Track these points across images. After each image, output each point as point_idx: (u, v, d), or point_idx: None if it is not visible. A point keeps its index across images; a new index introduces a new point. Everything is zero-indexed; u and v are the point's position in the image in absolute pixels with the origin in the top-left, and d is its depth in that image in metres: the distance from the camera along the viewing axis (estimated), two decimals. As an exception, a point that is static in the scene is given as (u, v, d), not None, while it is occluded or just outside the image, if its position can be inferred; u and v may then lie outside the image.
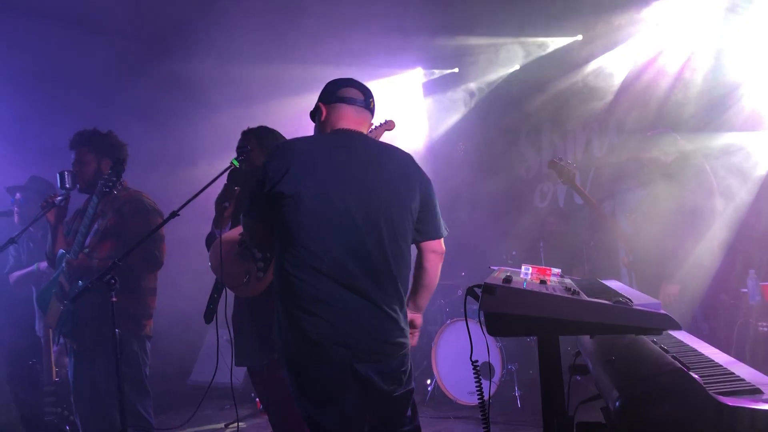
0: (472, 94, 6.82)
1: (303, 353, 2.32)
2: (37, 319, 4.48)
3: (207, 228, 3.45)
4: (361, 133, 2.54)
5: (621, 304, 1.66)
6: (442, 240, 2.62)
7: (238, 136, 3.37)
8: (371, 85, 2.74)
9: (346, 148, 2.45)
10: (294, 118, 3.72)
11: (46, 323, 4.22)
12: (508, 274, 1.95)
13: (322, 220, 2.32)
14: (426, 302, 2.71)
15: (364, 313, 2.32)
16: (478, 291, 1.82)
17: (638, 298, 1.81)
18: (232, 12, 5.70)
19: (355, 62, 6.15)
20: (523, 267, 2.25)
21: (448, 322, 5.42)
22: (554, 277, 2.25)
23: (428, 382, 5.66)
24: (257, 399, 5.76)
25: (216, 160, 3.42)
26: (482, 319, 1.72)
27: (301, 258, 2.32)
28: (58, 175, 3.80)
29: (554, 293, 1.64)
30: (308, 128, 2.68)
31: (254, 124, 3.44)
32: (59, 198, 3.77)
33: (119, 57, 6.15)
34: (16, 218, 4.59)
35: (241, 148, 3.25)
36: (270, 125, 3.46)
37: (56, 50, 5.76)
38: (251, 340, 3.31)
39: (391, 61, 6.73)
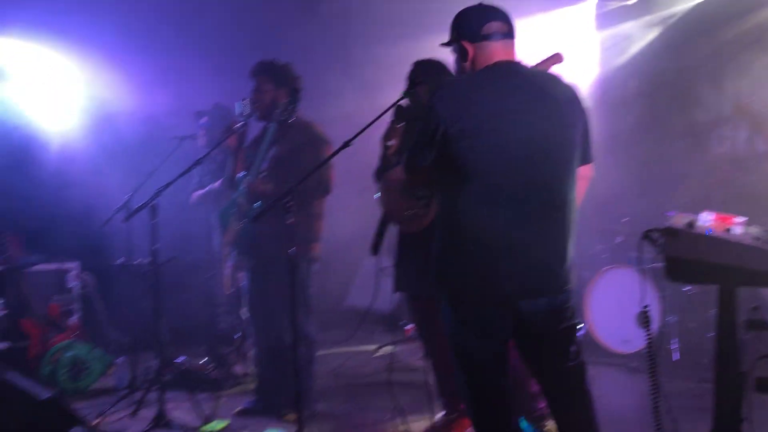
0: (649, 28, 6.37)
1: (467, 287, 2.38)
2: (216, 236, 4.90)
3: (374, 159, 3.56)
4: (518, 64, 2.49)
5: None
6: (593, 164, 2.57)
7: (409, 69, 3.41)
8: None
9: (509, 80, 2.42)
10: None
11: (224, 240, 4.60)
12: (690, 219, 1.87)
13: (493, 155, 2.32)
14: None
15: (533, 247, 2.33)
16: (656, 236, 1.77)
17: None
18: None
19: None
20: (704, 213, 2.15)
21: (605, 268, 5.27)
22: (738, 225, 2.12)
23: (579, 326, 5.58)
24: (406, 327, 5.98)
25: (390, 92, 3.48)
26: (657, 265, 1.68)
27: (471, 193, 2.33)
28: (237, 102, 4.07)
29: (742, 241, 1.56)
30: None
31: (425, 55, 3.45)
32: (239, 124, 4.04)
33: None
34: (201, 141, 4.97)
35: (410, 81, 3.29)
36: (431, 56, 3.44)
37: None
38: (411, 269, 3.44)
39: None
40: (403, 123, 3.25)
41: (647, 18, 6.40)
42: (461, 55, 2.51)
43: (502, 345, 2.47)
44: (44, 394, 2.92)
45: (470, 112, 2.33)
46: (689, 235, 1.57)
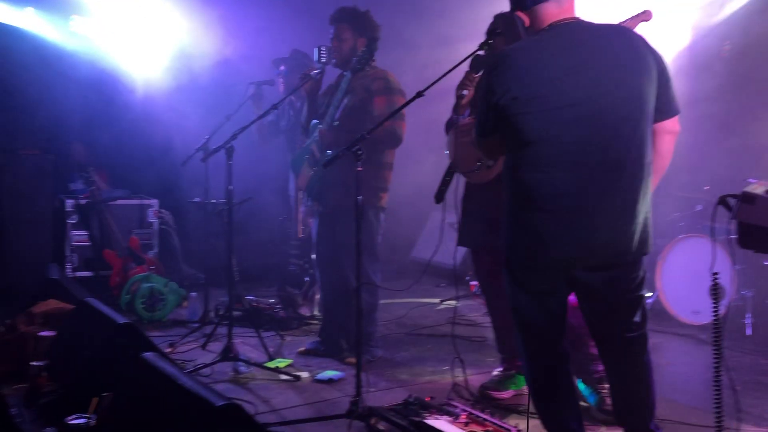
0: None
1: (528, 252, 2.36)
2: (291, 181, 5.00)
3: (447, 113, 3.54)
4: (577, 20, 2.38)
5: None
6: (678, 117, 2.45)
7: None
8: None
9: (564, 40, 2.33)
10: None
11: (297, 185, 4.70)
12: (771, 186, 1.80)
13: (547, 119, 2.26)
14: (653, 188, 2.53)
15: (592, 211, 2.27)
16: (732, 201, 1.71)
17: None
18: None
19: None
20: (787, 182, 2.05)
21: (681, 236, 5.12)
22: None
23: (649, 294, 5.47)
24: (471, 282, 6.00)
25: (464, 46, 3.43)
26: (734, 236, 1.63)
27: (527, 158, 2.31)
28: (315, 49, 4.09)
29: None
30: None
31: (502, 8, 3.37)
32: (316, 71, 4.07)
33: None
34: (280, 87, 5.05)
35: (489, 33, 3.23)
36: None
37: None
38: (477, 224, 3.43)
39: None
40: (480, 73, 3.21)
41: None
42: (518, 25, 2.45)
43: (558, 308, 2.45)
44: (122, 319, 3.10)
45: (520, 79, 2.29)
46: (767, 201, 1.51)
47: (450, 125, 3.51)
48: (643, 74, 2.31)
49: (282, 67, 5.02)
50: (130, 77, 6.56)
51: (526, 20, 2.42)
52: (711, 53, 6.23)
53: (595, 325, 2.51)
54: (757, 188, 1.68)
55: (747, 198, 1.50)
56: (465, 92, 3.20)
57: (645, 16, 3.05)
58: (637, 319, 2.43)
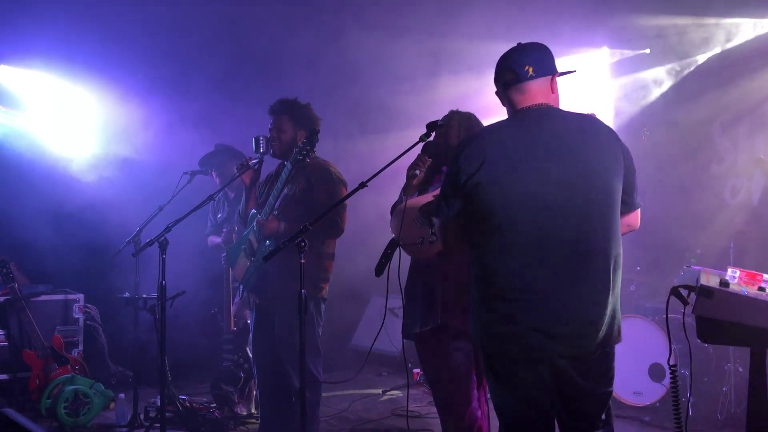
0: (663, 78, 6.38)
1: (499, 337, 2.28)
2: (225, 272, 4.85)
3: (386, 200, 3.53)
4: (550, 107, 2.37)
5: None
6: (639, 212, 2.45)
7: (427, 112, 3.40)
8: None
9: (536, 125, 2.32)
10: (461, 97, 3.65)
11: (233, 276, 4.55)
12: (722, 278, 1.81)
13: (518, 204, 2.23)
14: None
15: (572, 302, 2.21)
16: (685, 292, 1.71)
17: None
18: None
19: (534, 38, 5.93)
20: (729, 270, 2.09)
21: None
22: (767, 283, 2.06)
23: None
24: (414, 370, 5.87)
25: (407, 133, 3.46)
26: (686, 321, 1.62)
27: (497, 245, 2.26)
28: (254, 139, 4.05)
29: (779, 304, 1.50)
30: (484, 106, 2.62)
31: (435, 100, 3.45)
32: (254, 161, 4.02)
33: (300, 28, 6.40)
34: (218, 182, 4.97)
35: (432, 124, 3.26)
36: (438, 102, 3.44)
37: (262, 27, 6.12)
38: (419, 306, 3.35)
39: (575, 40, 6.44)
40: (431, 158, 3.25)
41: (663, 68, 6.41)
42: (502, 101, 2.45)
43: (545, 403, 2.34)
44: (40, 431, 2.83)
45: (495, 161, 2.26)
46: (725, 294, 1.51)
47: (396, 207, 3.49)
48: (612, 165, 2.29)
49: (215, 158, 4.97)
50: (54, 166, 6.34)
51: (507, 97, 2.41)
52: (635, 141, 6.52)
53: (566, 421, 2.41)
54: (710, 280, 1.70)
55: (705, 292, 1.50)
56: (417, 172, 3.20)
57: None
58: (603, 417, 2.37)
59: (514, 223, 2.24)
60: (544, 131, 2.31)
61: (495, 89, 2.47)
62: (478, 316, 2.34)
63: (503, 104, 2.45)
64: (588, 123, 2.37)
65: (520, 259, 2.23)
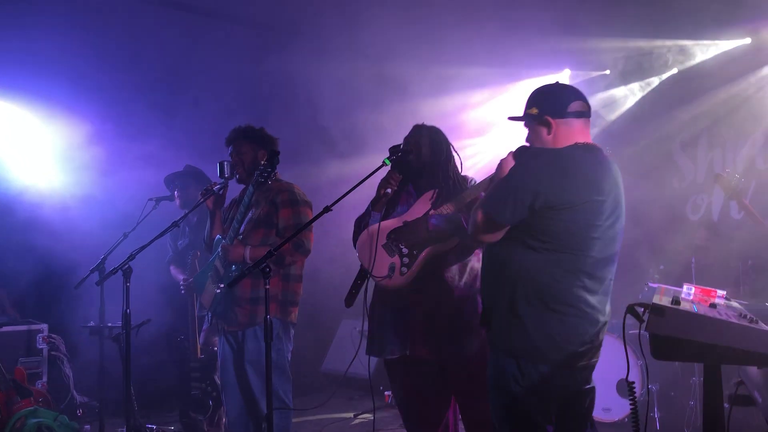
0: (623, 98, 6.52)
1: (541, 350, 2.42)
2: (190, 298, 4.79)
3: (350, 220, 3.53)
4: (598, 147, 2.55)
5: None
6: None
7: (392, 134, 3.43)
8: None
9: (597, 158, 2.49)
10: (427, 119, 3.70)
11: (200, 303, 4.50)
12: (674, 295, 1.85)
13: (589, 230, 2.40)
14: None
15: (599, 319, 2.46)
16: (640, 310, 1.74)
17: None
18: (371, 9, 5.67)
19: (498, 62, 6.04)
20: (684, 287, 2.13)
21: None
22: (720, 299, 2.11)
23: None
24: (386, 393, 5.85)
25: (374, 156, 3.49)
26: (639, 338, 1.65)
27: (565, 262, 2.40)
28: (218, 164, 4.03)
29: (729, 320, 1.54)
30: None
31: (404, 122, 3.48)
32: (218, 186, 4.00)
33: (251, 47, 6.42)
34: (177, 203, 4.93)
35: (395, 148, 3.28)
36: (406, 126, 3.49)
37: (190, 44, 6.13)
38: (389, 331, 3.33)
39: (537, 62, 6.55)
40: (401, 174, 3.28)
41: (624, 87, 6.56)
42: (545, 128, 2.52)
43: (551, 407, 2.51)
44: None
45: (573, 185, 2.38)
46: (675, 312, 1.55)
47: (362, 221, 3.47)
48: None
49: (178, 181, 4.94)
50: (18, 195, 6.23)
51: (554, 127, 2.51)
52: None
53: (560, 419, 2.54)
54: (663, 298, 1.74)
55: (656, 310, 1.54)
56: (389, 190, 3.22)
57: None
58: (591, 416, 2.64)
59: (580, 247, 2.47)
60: (604, 165, 2.55)
61: (531, 114, 2.61)
62: (524, 323, 2.48)
63: (546, 129, 2.56)
64: (615, 165, 2.62)
65: (583, 278, 2.48)
